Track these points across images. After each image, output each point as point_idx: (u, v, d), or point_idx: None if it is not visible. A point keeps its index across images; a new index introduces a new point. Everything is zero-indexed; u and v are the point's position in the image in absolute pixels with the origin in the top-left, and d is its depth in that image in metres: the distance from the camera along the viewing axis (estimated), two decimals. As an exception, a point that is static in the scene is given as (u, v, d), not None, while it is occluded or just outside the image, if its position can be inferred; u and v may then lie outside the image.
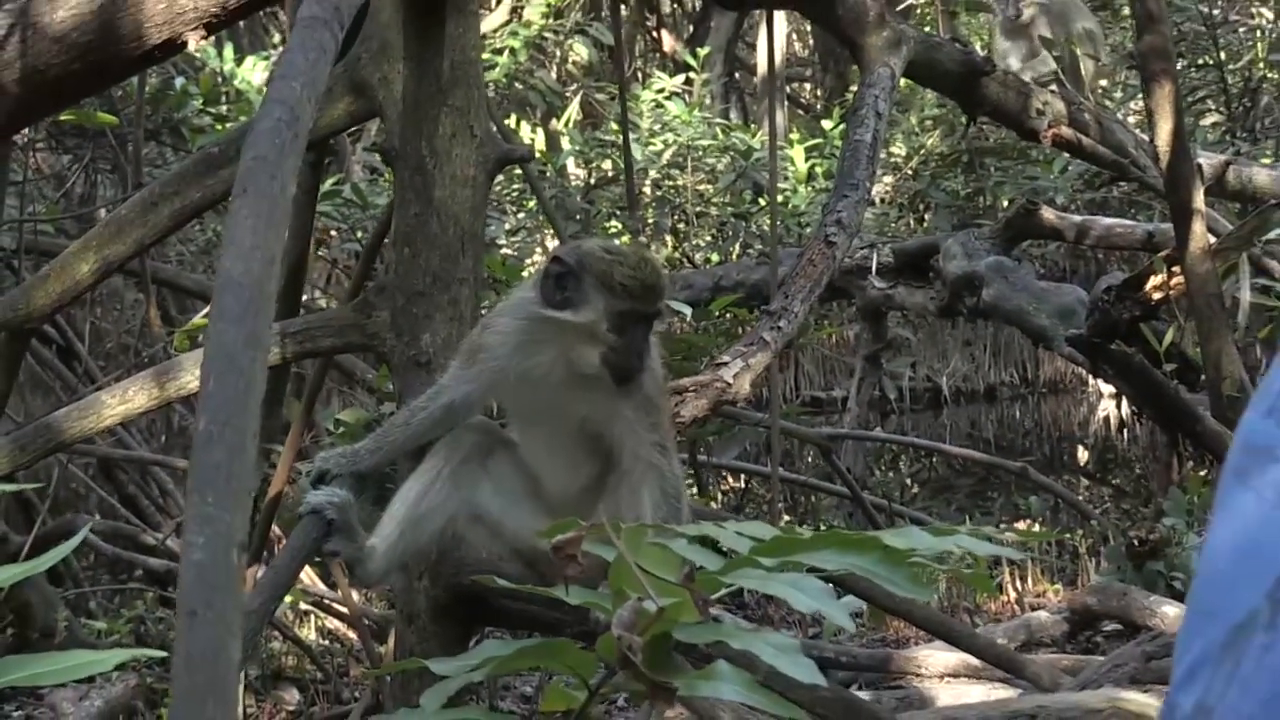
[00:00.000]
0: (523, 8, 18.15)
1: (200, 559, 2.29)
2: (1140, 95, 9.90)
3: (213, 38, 11.45)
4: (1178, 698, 1.43)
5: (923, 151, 16.68)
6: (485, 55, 17.54)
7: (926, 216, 16.77)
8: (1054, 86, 9.27)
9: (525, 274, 8.85)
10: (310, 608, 8.46)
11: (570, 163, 16.53)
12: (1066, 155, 12.61)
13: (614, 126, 16.71)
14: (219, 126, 12.04)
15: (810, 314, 15.01)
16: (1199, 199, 6.83)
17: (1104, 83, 16.02)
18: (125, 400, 4.76)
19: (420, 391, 4.32)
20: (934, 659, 7.19)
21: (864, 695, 6.95)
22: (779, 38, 18.83)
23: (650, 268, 4.04)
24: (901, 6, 20.24)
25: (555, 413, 4.12)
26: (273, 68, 5.20)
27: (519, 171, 15.85)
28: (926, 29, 20.20)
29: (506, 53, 17.10)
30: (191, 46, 6.35)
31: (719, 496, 12.33)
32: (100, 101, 10.54)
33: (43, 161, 13.79)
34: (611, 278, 3.92)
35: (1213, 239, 7.41)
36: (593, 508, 4.05)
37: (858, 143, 7.14)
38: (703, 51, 18.94)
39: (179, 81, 12.96)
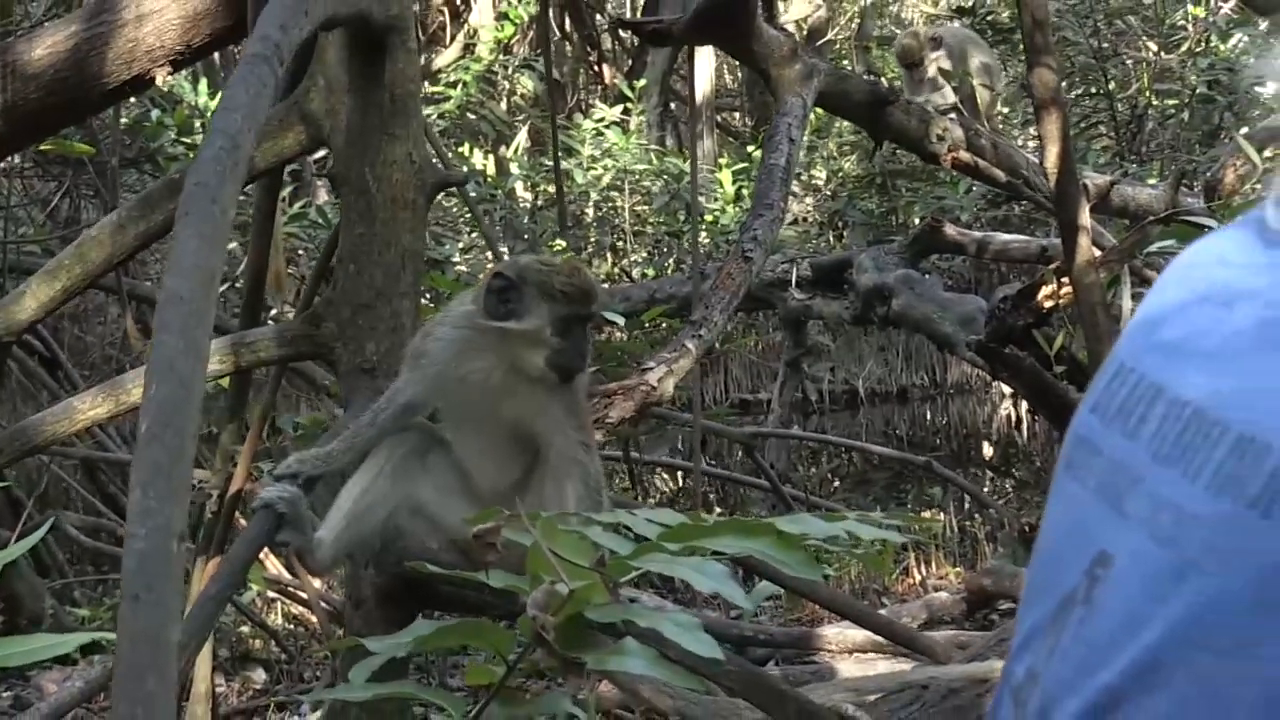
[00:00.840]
0: (474, 44, 18.17)
1: (142, 548, 2.31)
2: (1036, 121, 10.01)
3: (188, 72, 11.47)
4: (1013, 666, 1.47)
5: (840, 174, 16.81)
6: (440, 88, 17.59)
7: (845, 234, 16.87)
8: (953, 115, 9.34)
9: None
10: (277, 595, 8.48)
11: (519, 186, 16.60)
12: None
13: (550, 154, 16.83)
14: (191, 155, 12.05)
15: (735, 323, 15.09)
16: (1085, 216, 6.89)
17: (1005, 110, 16.15)
18: (94, 406, 4.76)
19: (365, 395, 4.35)
20: (843, 636, 7.27)
21: (779, 669, 7.03)
22: (709, 71, 18.91)
23: (583, 275, 4.11)
24: (821, 41, 20.33)
25: (489, 414, 4.15)
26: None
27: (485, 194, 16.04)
28: (845, 60, 20.33)
29: (460, 86, 17.15)
30: (160, 82, 6.38)
31: (655, 493, 12.42)
32: (82, 132, 10.52)
33: (30, 187, 13.78)
34: (551, 286, 3.98)
35: (1098, 252, 7.46)
36: (521, 501, 4.09)
37: (772, 166, 7.19)
38: (639, 84, 19.01)
39: (155, 113, 13.01)
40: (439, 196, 9.88)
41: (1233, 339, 1.34)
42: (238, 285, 8.58)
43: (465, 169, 16.51)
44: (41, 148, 9.44)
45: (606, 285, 14.09)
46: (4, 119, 6.25)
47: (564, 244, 15.10)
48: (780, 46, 7.48)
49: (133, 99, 11.04)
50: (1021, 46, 11.14)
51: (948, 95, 10.28)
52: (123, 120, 12.56)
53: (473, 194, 16.30)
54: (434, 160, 5.17)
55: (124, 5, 6.39)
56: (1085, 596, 1.36)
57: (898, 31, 18.63)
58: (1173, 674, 1.24)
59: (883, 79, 11.17)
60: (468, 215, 16.26)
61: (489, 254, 15.16)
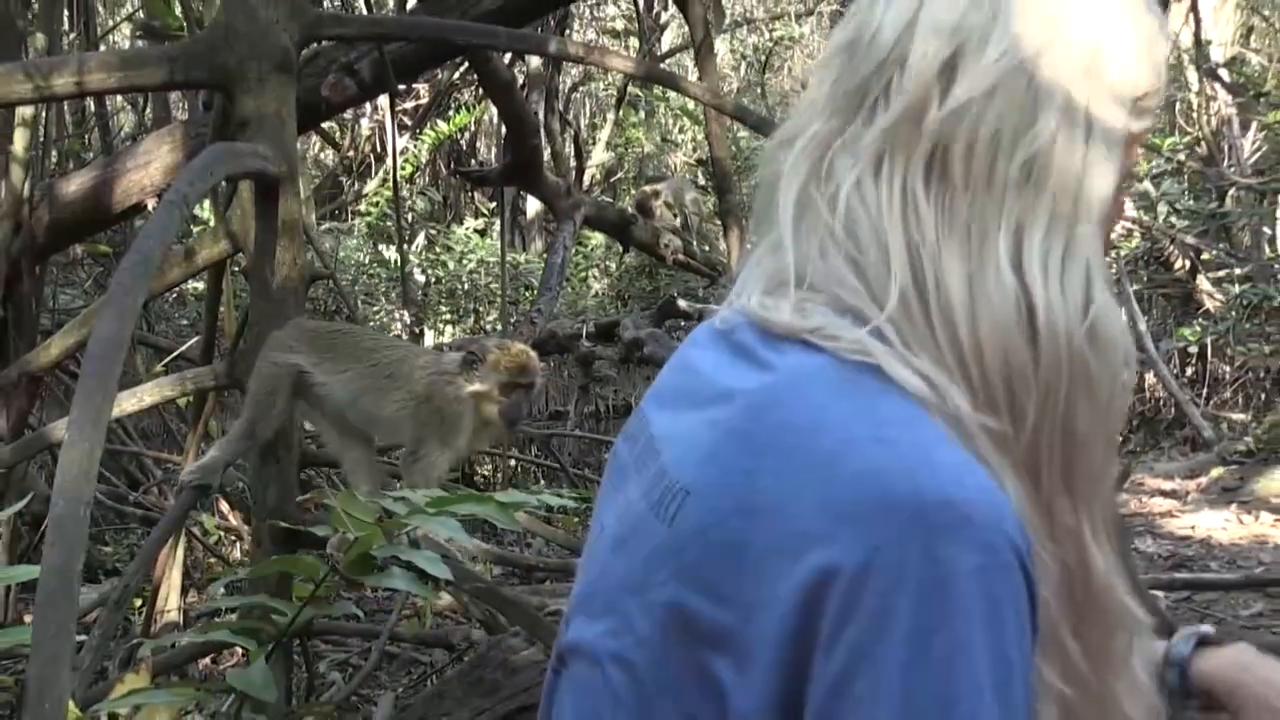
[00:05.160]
0: (389, 177, 18.09)
1: (60, 513, 2.40)
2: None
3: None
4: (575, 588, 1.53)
5: (624, 265, 16.91)
6: (365, 207, 17.51)
7: (627, 304, 16.91)
8: (675, 233, 9.46)
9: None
10: (236, 537, 8.40)
11: (416, 272, 16.50)
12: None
13: (437, 250, 16.81)
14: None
15: (551, 361, 15.06)
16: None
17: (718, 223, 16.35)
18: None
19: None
20: (592, 564, 7.29)
21: (552, 585, 7.00)
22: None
23: (521, 357, 3.97)
24: (615, 178, 20.46)
25: (405, 423, 4.01)
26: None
27: (393, 275, 16.01)
28: (631, 190, 20.41)
29: (378, 204, 17.07)
30: (150, 207, 6.41)
31: (499, 477, 12.44)
32: (115, 234, 10.36)
33: (86, 273, 13.60)
34: (498, 363, 3.89)
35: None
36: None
37: (553, 263, 7.33)
38: (493, 205, 19.10)
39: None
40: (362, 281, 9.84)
41: (679, 397, 1.36)
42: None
43: (382, 259, 16.48)
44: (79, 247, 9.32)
45: (474, 337, 14.03)
46: (50, 231, 6.29)
47: (447, 311, 15.09)
48: (558, 188, 7.62)
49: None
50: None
51: (670, 221, 10.43)
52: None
53: (381, 275, 16.27)
54: (313, 260, 5.24)
55: (127, 157, 6.46)
56: (593, 550, 1.39)
57: (667, 172, 18.81)
58: (616, 598, 1.28)
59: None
60: (382, 289, 16.19)
61: (398, 314, 15.14)
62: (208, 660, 5.94)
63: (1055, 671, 1.22)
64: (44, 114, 7.39)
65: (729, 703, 1.13)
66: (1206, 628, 1.58)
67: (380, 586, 3.21)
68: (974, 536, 1.05)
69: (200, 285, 13.10)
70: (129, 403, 4.84)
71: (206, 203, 14.03)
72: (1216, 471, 8.05)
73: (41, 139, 7.20)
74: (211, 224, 7.01)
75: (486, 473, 12.08)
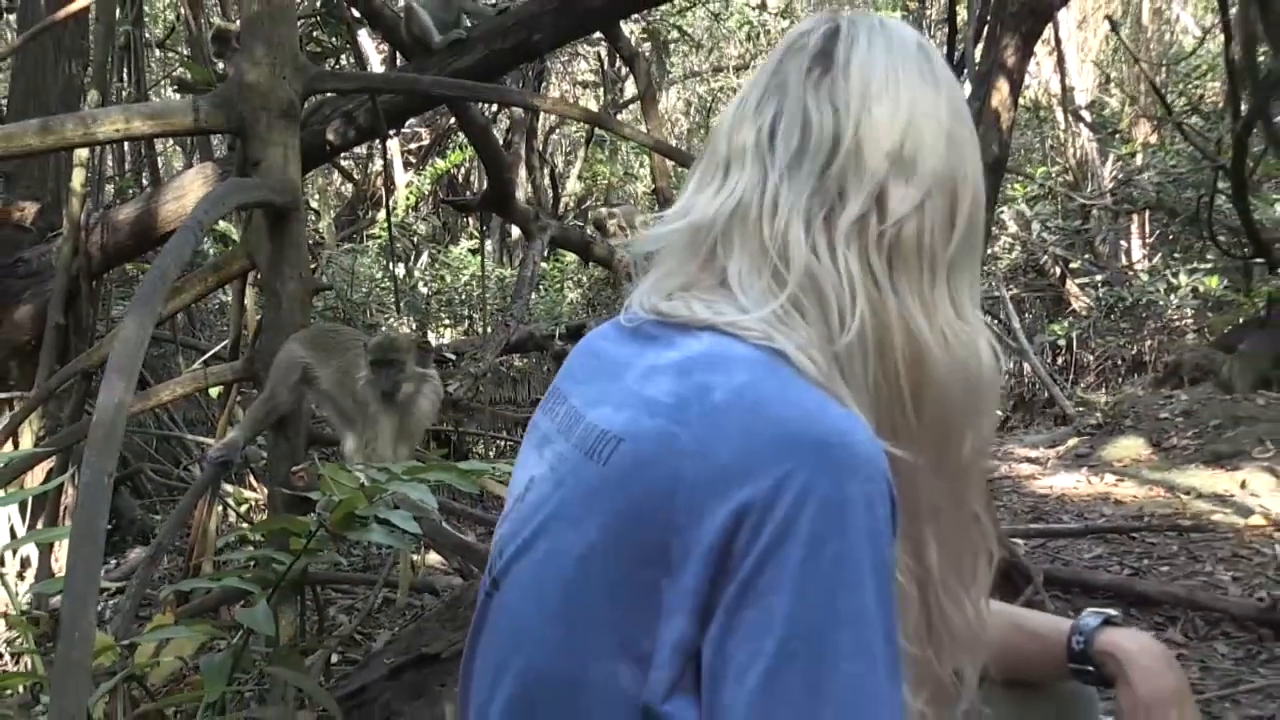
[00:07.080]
0: (394, 207, 18.09)
1: (88, 480, 2.45)
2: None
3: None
4: (497, 532, 1.56)
5: (592, 277, 16.91)
6: (377, 230, 17.45)
7: (597, 310, 16.89)
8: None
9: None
10: (265, 508, 8.38)
11: (420, 285, 16.47)
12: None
13: (437, 266, 16.74)
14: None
15: (531, 358, 15.03)
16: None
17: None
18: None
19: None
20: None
21: None
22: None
23: (380, 339, 4.02)
24: (585, 205, 20.46)
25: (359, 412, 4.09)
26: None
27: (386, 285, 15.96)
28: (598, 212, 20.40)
29: (388, 228, 17.07)
30: (185, 230, 6.38)
31: (493, 453, 12.41)
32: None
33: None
34: (365, 347, 3.99)
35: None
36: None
37: (523, 276, 7.37)
38: (483, 228, 19.07)
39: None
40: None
41: (591, 373, 1.42)
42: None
43: (394, 273, 16.44)
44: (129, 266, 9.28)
45: (466, 338, 13.92)
46: (104, 253, 6.29)
47: (446, 316, 15.05)
48: (528, 213, 7.65)
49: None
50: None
51: (624, 240, 10.40)
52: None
53: (387, 285, 16.20)
54: (315, 274, 5.26)
55: (167, 190, 6.47)
56: (522, 497, 1.39)
57: (630, 199, 18.81)
58: (551, 529, 1.29)
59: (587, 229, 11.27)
60: (391, 300, 16.13)
61: (404, 320, 15.13)
62: (239, 605, 5.97)
63: (913, 576, 1.31)
64: (102, 155, 7.39)
65: (661, 603, 1.18)
66: (1113, 612, 1.68)
67: (362, 540, 3.24)
68: (863, 469, 1.14)
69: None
70: (165, 393, 4.87)
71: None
72: (1072, 441, 8.16)
73: (98, 176, 7.21)
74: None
75: (480, 451, 12.07)
